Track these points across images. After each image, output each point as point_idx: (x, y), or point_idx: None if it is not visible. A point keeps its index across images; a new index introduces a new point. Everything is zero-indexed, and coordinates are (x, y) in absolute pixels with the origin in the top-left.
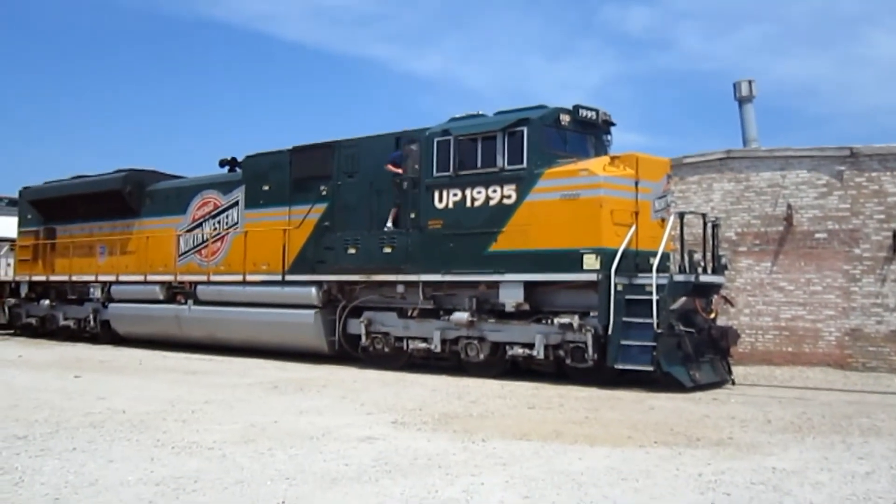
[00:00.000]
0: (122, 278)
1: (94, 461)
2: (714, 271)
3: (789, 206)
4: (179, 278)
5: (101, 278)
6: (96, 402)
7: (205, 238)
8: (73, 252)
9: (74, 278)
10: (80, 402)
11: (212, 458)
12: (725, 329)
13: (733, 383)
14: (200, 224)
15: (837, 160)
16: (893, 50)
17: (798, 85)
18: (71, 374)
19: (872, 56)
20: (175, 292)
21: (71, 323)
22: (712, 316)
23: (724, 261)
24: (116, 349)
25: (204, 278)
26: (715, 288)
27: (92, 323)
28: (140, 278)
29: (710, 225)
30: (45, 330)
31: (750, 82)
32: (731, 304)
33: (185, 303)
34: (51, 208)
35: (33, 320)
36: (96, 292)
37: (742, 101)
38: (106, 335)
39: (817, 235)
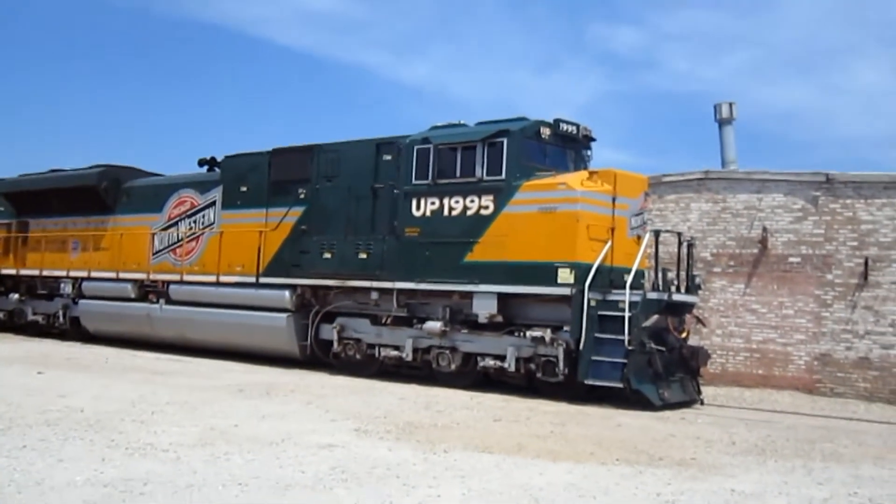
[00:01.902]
0: (94, 275)
1: (43, 460)
2: (687, 291)
3: (765, 229)
4: (152, 277)
5: (73, 274)
6: (56, 399)
7: (180, 237)
8: (45, 246)
9: (45, 273)
10: (38, 399)
11: (165, 461)
12: (696, 349)
13: (702, 403)
14: (176, 223)
15: (813, 185)
16: (874, 81)
17: (780, 110)
18: (35, 370)
19: (854, 86)
20: (147, 291)
21: (40, 318)
22: (684, 335)
23: (697, 280)
24: (85, 346)
25: (177, 278)
26: (688, 307)
27: (61, 319)
28: (112, 275)
29: (685, 244)
30: (14, 324)
31: (731, 105)
32: (704, 325)
33: (157, 302)
34: (24, 201)
35: (1, 314)
36: (67, 288)
37: (722, 123)
38: (75, 332)
39: (791, 259)
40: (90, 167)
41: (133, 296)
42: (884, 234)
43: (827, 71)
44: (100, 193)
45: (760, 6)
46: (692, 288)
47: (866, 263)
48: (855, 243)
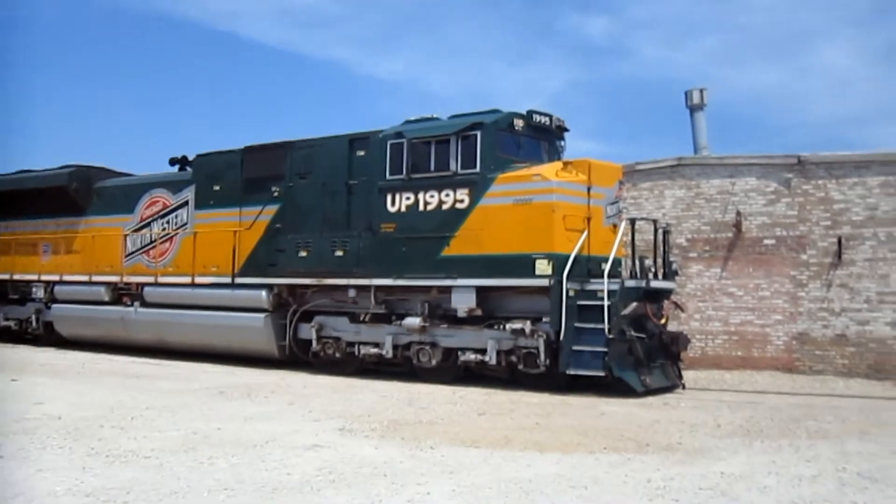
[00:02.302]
0: (67, 278)
1: (21, 470)
2: (665, 277)
3: (738, 213)
4: (126, 279)
5: (45, 278)
6: (32, 407)
7: (153, 238)
8: (14, 250)
9: (16, 277)
10: (14, 407)
11: (148, 468)
12: (676, 334)
13: (684, 388)
14: (149, 224)
15: (785, 168)
16: (842, 62)
17: (751, 95)
18: (9, 377)
19: (823, 67)
20: (121, 294)
21: (12, 324)
22: (663, 321)
23: (674, 266)
24: (59, 352)
25: (151, 280)
26: (666, 293)
27: (34, 324)
28: (85, 278)
29: (661, 231)
30: None
31: (701, 91)
32: (682, 310)
33: (132, 305)
34: None
35: None
36: (39, 292)
37: (693, 110)
38: (49, 337)
39: (766, 242)
40: (60, 167)
41: (107, 299)
42: (856, 212)
43: (796, 54)
44: (70, 194)
45: None
46: (669, 274)
47: (840, 242)
48: (828, 223)
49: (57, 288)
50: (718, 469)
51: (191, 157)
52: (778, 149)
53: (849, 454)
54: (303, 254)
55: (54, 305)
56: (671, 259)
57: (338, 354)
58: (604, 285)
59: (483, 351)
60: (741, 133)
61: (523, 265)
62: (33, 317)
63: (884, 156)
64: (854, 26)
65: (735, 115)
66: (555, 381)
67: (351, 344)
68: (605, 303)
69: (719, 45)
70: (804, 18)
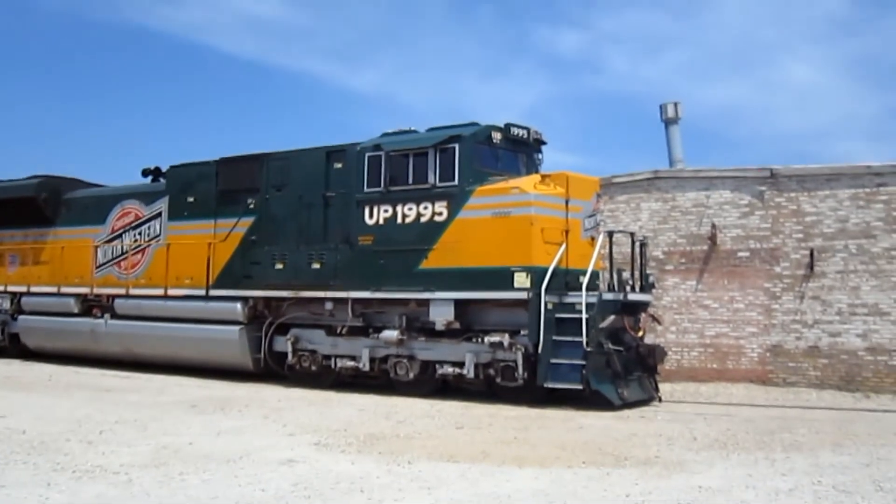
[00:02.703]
0: (34, 289)
1: None
2: (642, 289)
3: (713, 226)
4: (96, 291)
5: (11, 289)
6: None
7: (124, 250)
8: None
9: None
10: None
11: (116, 483)
12: (653, 347)
13: (660, 400)
14: (120, 235)
15: (758, 181)
16: (805, 77)
17: (721, 108)
18: None
19: (788, 82)
20: (91, 305)
21: None
22: (640, 334)
23: (651, 279)
24: (25, 364)
25: (122, 291)
26: (643, 306)
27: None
28: (53, 290)
29: (637, 244)
30: None
31: (675, 104)
32: (658, 322)
33: (102, 317)
34: None
35: None
36: (5, 303)
37: (668, 123)
38: (14, 349)
39: (740, 254)
40: (28, 178)
41: (76, 310)
42: (827, 224)
43: (761, 69)
44: (39, 205)
45: (695, 7)
46: (646, 287)
47: (812, 255)
48: (800, 235)
49: (24, 299)
50: (696, 483)
51: (164, 169)
52: (747, 162)
53: (823, 467)
54: (279, 266)
55: (21, 317)
56: (648, 272)
57: (314, 367)
58: (582, 298)
59: (461, 364)
60: (711, 146)
61: (501, 278)
62: None
63: (853, 168)
64: (814, 42)
65: (704, 128)
66: (532, 394)
67: (327, 357)
68: (584, 316)
69: (688, 60)
70: (768, 34)
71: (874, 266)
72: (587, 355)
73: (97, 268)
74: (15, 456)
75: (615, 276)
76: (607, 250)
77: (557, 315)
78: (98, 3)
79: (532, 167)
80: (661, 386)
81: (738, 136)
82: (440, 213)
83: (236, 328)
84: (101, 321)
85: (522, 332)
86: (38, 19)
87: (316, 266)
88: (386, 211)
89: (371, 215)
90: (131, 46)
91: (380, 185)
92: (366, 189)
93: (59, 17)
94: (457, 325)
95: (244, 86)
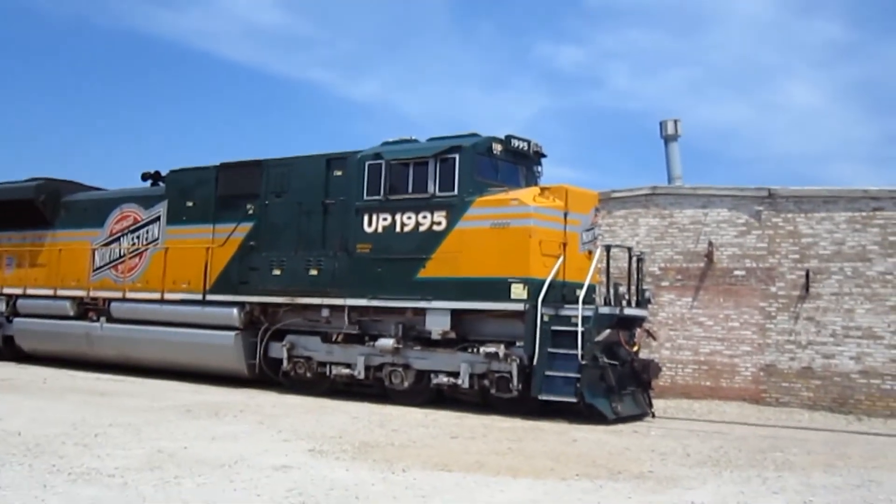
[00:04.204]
0: (30, 292)
1: None
2: (638, 304)
3: (710, 244)
4: (92, 294)
5: (7, 291)
6: None
7: (122, 253)
8: None
9: None
10: None
11: (112, 486)
12: (647, 362)
13: (653, 416)
14: (118, 238)
15: (756, 200)
16: (805, 101)
17: (719, 128)
18: None
19: (788, 105)
20: (87, 308)
21: None
22: (635, 349)
23: (647, 294)
24: (20, 367)
25: (119, 295)
26: (638, 321)
27: None
28: (50, 292)
29: (635, 259)
30: None
31: (675, 121)
32: (654, 338)
33: (98, 320)
34: None
35: None
36: (0, 306)
37: (668, 140)
38: (9, 352)
39: (736, 273)
40: (27, 180)
41: (72, 314)
42: (823, 246)
43: (761, 90)
44: (37, 207)
45: (695, 28)
46: (642, 302)
47: (807, 275)
48: (796, 256)
49: (20, 301)
50: (689, 498)
51: (164, 173)
52: (744, 181)
53: (815, 487)
54: (276, 272)
55: (16, 319)
56: (644, 287)
57: (309, 374)
58: (578, 311)
59: (456, 374)
60: (709, 164)
61: (498, 289)
62: None
63: (850, 192)
64: (814, 66)
65: (703, 147)
66: (526, 405)
67: (322, 364)
68: (580, 329)
69: (688, 78)
70: (768, 56)
71: (869, 289)
72: (582, 368)
73: (94, 271)
74: (11, 458)
75: (612, 291)
76: (604, 264)
77: (553, 327)
78: (100, 8)
79: (532, 180)
80: (654, 402)
81: (736, 156)
82: (439, 223)
83: (232, 334)
84: (96, 325)
85: (518, 344)
86: (40, 24)
87: (313, 273)
88: (385, 219)
89: (370, 223)
90: (133, 52)
91: (379, 194)
92: (365, 197)
93: (61, 22)
94: (453, 335)
95: (245, 93)
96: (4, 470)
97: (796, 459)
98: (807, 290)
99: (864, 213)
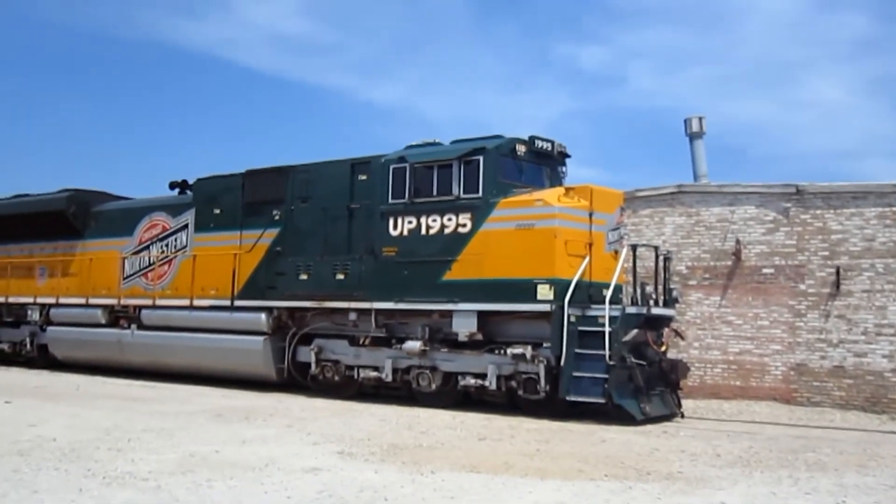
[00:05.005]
0: (63, 301)
1: (17, 492)
2: (665, 304)
3: (738, 241)
4: (123, 302)
5: (40, 300)
6: (26, 429)
7: (151, 261)
8: (10, 273)
9: (11, 300)
10: (8, 429)
11: (145, 490)
12: (675, 362)
13: (682, 416)
14: (147, 247)
15: (784, 197)
16: (830, 97)
17: (744, 125)
18: (2, 399)
19: (812, 101)
20: (118, 316)
21: (6, 346)
22: (663, 349)
23: (675, 294)
24: (53, 374)
25: (149, 302)
26: (666, 321)
27: (28, 346)
28: (81, 301)
29: (661, 258)
30: None
31: (700, 119)
32: (682, 338)
33: (129, 327)
34: None
35: None
36: (34, 315)
37: (693, 137)
38: (43, 360)
39: (764, 270)
40: (58, 191)
41: (103, 321)
42: (853, 243)
43: (785, 87)
44: (68, 218)
45: (717, 25)
46: (670, 301)
47: (838, 273)
48: (826, 253)
49: (52, 310)
50: (719, 499)
51: (191, 181)
52: (770, 178)
53: (847, 487)
54: (303, 277)
55: (49, 328)
56: (672, 286)
57: (336, 378)
58: (605, 311)
59: (483, 376)
60: (734, 162)
61: (525, 290)
62: (27, 339)
63: (880, 187)
64: (837, 61)
65: (728, 144)
66: (554, 407)
67: (350, 367)
68: (607, 329)
69: (711, 76)
70: (791, 52)
71: None
72: (610, 369)
73: (124, 279)
74: (47, 463)
75: (639, 290)
76: (631, 264)
77: (580, 328)
78: (125, 22)
79: (556, 180)
80: (683, 402)
81: (761, 153)
82: (464, 225)
83: (260, 338)
84: (127, 332)
85: (545, 345)
86: (65, 36)
87: (340, 277)
88: (410, 222)
89: (395, 227)
90: (157, 62)
91: (404, 197)
92: (390, 201)
93: (85, 34)
94: (479, 337)
95: (269, 100)
96: (41, 474)
97: (828, 460)
98: (837, 287)
99: (894, 209)
